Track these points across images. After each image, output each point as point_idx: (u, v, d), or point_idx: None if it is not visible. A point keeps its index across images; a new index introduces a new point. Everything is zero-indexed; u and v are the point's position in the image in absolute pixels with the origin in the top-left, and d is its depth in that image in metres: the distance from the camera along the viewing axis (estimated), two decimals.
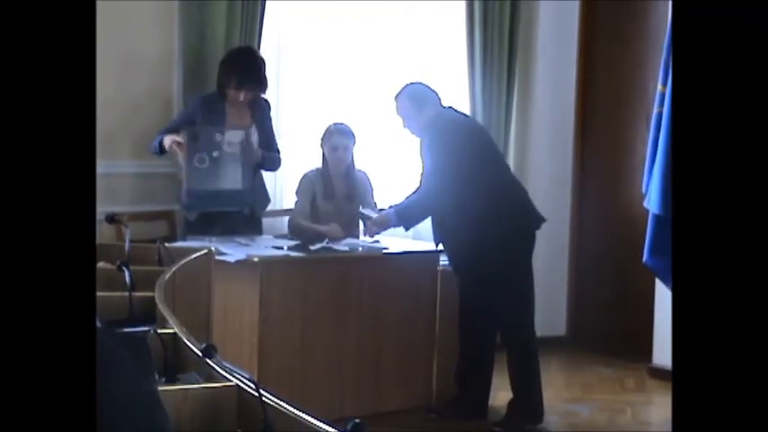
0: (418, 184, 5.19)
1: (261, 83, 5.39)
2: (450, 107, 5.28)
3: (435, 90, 5.24)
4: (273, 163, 5.55)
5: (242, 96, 5.33)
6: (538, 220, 5.18)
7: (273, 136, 5.59)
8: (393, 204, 5.28)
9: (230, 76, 5.32)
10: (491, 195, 5.04)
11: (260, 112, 5.49)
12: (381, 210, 5.45)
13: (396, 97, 5.21)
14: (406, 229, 5.27)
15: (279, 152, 5.59)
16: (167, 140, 5.20)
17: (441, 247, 5.20)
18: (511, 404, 5.15)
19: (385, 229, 5.26)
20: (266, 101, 5.55)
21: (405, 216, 5.13)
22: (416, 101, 5.14)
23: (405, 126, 5.21)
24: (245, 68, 5.34)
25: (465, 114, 5.34)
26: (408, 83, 5.27)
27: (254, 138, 5.41)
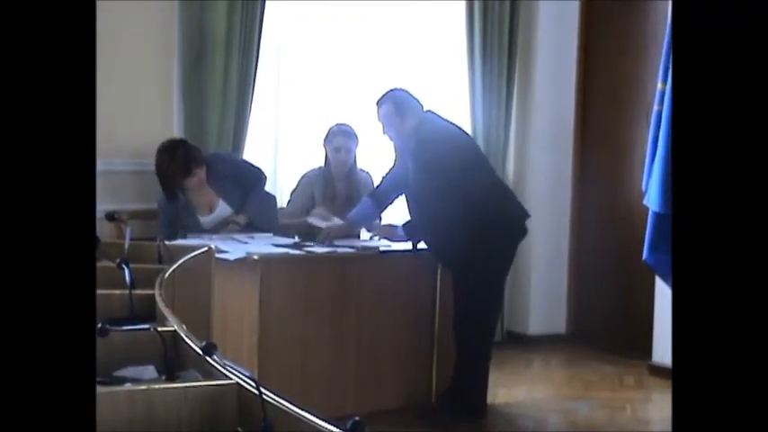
0: (388, 177, 5.27)
1: (188, 169, 5.26)
2: (430, 111, 5.24)
3: (417, 97, 5.21)
4: (255, 204, 5.48)
5: (192, 184, 5.30)
6: (522, 219, 5.24)
7: (244, 175, 5.49)
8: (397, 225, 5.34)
9: (173, 177, 5.26)
10: (479, 197, 5.04)
11: (216, 180, 5.39)
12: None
13: (378, 103, 5.18)
14: (414, 244, 5.26)
15: (258, 170, 5.55)
16: None
17: (421, 245, 5.22)
18: (444, 394, 5.21)
19: (393, 238, 5.28)
20: (209, 160, 5.41)
21: (410, 232, 5.20)
22: (400, 109, 5.12)
23: (384, 132, 5.19)
24: (183, 164, 5.25)
25: (445, 119, 5.30)
26: (391, 89, 5.23)
27: (227, 211, 5.40)
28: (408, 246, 5.44)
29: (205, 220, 5.39)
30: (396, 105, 5.13)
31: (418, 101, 5.20)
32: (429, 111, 5.24)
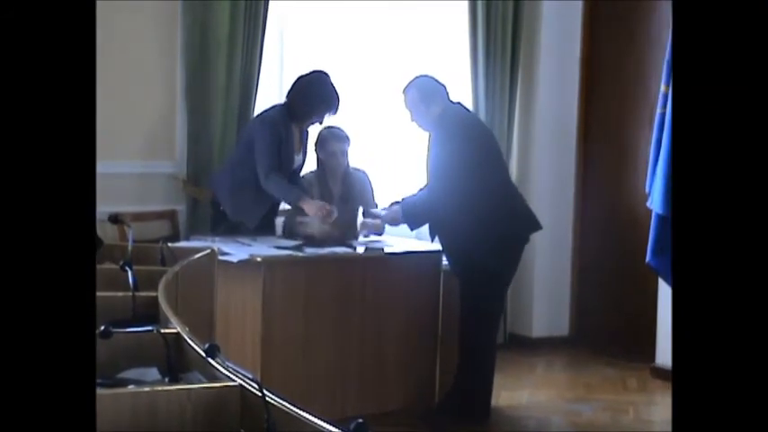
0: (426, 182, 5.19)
1: (336, 107, 5.36)
2: (459, 103, 5.26)
3: (444, 84, 5.20)
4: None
5: (319, 123, 5.38)
6: (534, 225, 5.24)
7: None
8: (399, 200, 5.25)
9: (319, 106, 5.28)
10: (492, 196, 5.04)
11: (305, 135, 5.49)
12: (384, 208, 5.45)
13: (404, 90, 5.16)
14: (411, 228, 5.24)
15: None
16: (312, 209, 5.22)
17: (437, 241, 5.20)
18: (447, 396, 5.21)
19: (396, 224, 5.25)
20: None
21: (410, 214, 5.12)
22: (425, 95, 5.10)
23: (412, 120, 5.17)
24: (337, 99, 5.30)
25: (471, 111, 5.32)
26: (417, 76, 5.22)
27: (300, 160, 5.49)
28: (412, 247, 5.44)
29: (296, 158, 5.42)
30: (420, 92, 5.11)
31: (444, 88, 5.18)
32: (458, 102, 5.24)
